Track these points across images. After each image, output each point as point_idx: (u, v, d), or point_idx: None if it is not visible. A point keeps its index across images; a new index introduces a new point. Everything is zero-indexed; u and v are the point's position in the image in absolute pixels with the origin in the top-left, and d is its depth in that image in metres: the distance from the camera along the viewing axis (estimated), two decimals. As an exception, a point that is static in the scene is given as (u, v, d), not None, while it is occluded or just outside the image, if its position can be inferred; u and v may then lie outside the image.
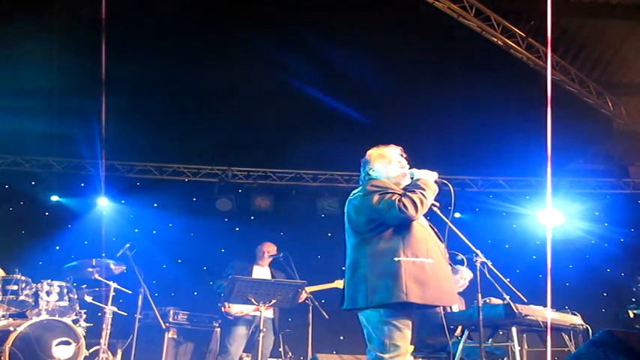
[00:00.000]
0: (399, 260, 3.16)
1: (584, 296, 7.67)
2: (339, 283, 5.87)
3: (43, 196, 8.76)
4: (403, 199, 3.22)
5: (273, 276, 5.96)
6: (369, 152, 3.60)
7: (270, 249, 6.10)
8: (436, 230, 3.47)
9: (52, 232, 8.55)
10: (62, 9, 6.63)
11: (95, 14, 6.43)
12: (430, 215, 3.57)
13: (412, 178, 3.46)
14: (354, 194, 3.47)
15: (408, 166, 3.55)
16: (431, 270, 3.20)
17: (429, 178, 3.41)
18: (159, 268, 8.32)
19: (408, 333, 3.20)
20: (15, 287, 5.42)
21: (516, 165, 8.85)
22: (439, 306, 3.35)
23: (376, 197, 3.28)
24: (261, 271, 6.04)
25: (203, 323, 6.77)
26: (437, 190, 3.41)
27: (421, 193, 3.27)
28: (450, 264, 3.47)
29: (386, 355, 3.13)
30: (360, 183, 3.61)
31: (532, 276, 6.82)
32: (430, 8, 6.94)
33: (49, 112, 7.65)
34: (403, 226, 3.25)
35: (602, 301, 8.59)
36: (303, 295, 5.43)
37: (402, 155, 3.58)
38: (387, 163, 3.51)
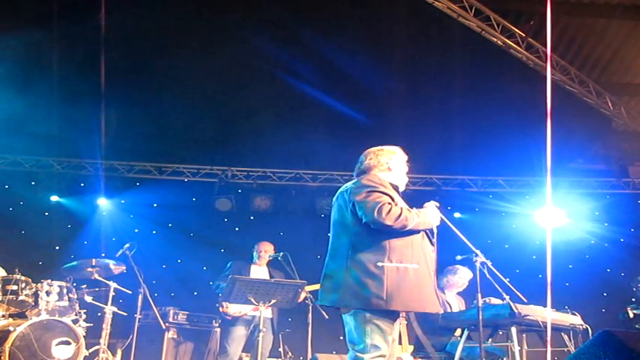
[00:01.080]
0: (382, 266, 3.12)
1: (584, 296, 7.67)
2: None
3: (43, 196, 8.76)
4: (392, 206, 3.15)
5: (271, 276, 5.96)
6: (383, 147, 3.55)
7: (267, 248, 6.09)
8: (429, 234, 3.40)
9: (52, 232, 8.54)
10: (62, 8, 6.63)
11: (95, 12, 6.45)
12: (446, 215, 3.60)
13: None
14: (346, 187, 3.40)
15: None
16: (414, 276, 3.16)
17: (430, 217, 3.33)
18: (159, 268, 8.31)
19: (390, 335, 3.17)
20: (15, 287, 5.41)
21: (516, 165, 8.85)
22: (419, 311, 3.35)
23: (364, 193, 3.21)
24: (259, 271, 6.04)
25: (203, 323, 6.77)
26: (427, 228, 3.34)
27: (414, 215, 3.19)
28: (435, 270, 3.43)
29: (366, 356, 3.10)
30: (359, 168, 3.55)
31: (532, 276, 6.80)
32: (430, 8, 6.94)
33: (48, 112, 7.65)
34: (391, 230, 3.15)
35: (602, 301, 8.58)
36: (302, 295, 5.43)
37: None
38: (400, 165, 3.52)
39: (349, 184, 3.42)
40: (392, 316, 3.19)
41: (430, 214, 3.34)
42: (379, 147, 3.56)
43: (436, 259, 3.40)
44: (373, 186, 3.25)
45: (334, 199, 3.47)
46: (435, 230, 3.45)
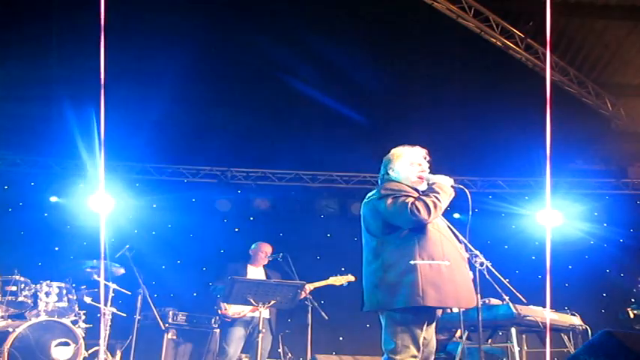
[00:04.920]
0: (415, 263, 3.18)
1: (584, 297, 7.68)
2: (333, 280, 5.88)
3: (42, 197, 8.75)
4: (416, 202, 3.22)
5: (267, 276, 5.97)
6: (392, 151, 3.61)
7: (267, 250, 6.10)
8: (455, 231, 3.48)
9: (51, 232, 8.54)
10: (61, 8, 6.62)
11: (95, 12, 6.43)
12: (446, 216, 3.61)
13: (429, 183, 3.45)
14: (369, 197, 3.47)
15: (428, 170, 3.54)
16: (447, 272, 3.22)
17: (444, 182, 3.39)
18: (158, 269, 8.31)
19: (420, 335, 3.22)
20: (14, 288, 5.42)
21: (515, 165, 8.85)
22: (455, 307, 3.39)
23: (390, 200, 3.28)
24: (256, 272, 6.04)
25: (202, 324, 6.77)
26: (452, 195, 3.39)
27: (435, 197, 3.27)
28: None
29: (397, 357, 3.16)
30: (379, 182, 3.62)
31: (531, 276, 6.80)
32: (429, 8, 6.94)
33: (48, 113, 7.64)
34: (418, 228, 3.25)
35: (601, 302, 8.59)
36: (304, 294, 5.47)
37: (425, 158, 3.58)
38: (408, 165, 3.51)
39: (371, 193, 3.49)
40: (423, 316, 3.23)
41: (442, 183, 3.39)
42: (392, 152, 3.61)
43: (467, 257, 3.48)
44: (393, 192, 3.32)
45: (361, 209, 3.55)
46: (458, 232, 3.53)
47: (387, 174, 3.54)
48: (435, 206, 3.22)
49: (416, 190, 3.44)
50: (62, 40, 6.94)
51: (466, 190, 3.45)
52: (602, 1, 7.11)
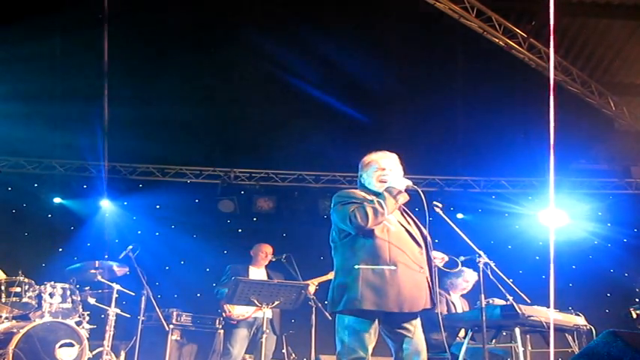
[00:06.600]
0: (358, 268, 3.26)
1: (588, 297, 7.66)
2: (333, 274, 5.89)
3: (46, 199, 8.78)
4: (356, 209, 3.26)
5: (269, 277, 5.98)
6: (362, 158, 3.64)
7: (268, 250, 6.12)
8: (415, 234, 3.42)
9: (55, 234, 8.57)
10: (65, 9, 6.64)
11: (97, 15, 6.46)
12: (433, 216, 3.59)
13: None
14: None
15: (399, 174, 3.51)
16: (390, 277, 3.23)
17: (395, 186, 3.35)
18: (162, 269, 8.33)
19: (366, 338, 3.23)
20: (18, 289, 5.42)
21: (519, 165, 8.84)
22: (398, 312, 3.26)
23: (339, 207, 3.38)
24: (257, 273, 6.05)
25: (206, 325, 6.78)
26: (403, 199, 3.36)
27: (378, 202, 3.29)
28: (435, 267, 3.44)
29: (343, 359, 3.22)
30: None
31: (535, 277, 6.77)
32: (431, 8, 6.94)
33: (51, 114, 7.67)
34: (365, 234, 3.30)
35: (605, 302, 8.56)
36: (312, 289, 5.54)
37: (393, 162, 3.55)
38: (373, 171, 3.54)
39: None
40: (369, 319, 3.25)
41: (392, 187, 3.35)
42: (362, 159, 3.62)
43: (427, 258, 3.41)
44: (342, 200, 3.41)
45: None
46: (425, 231, 3.47)
47: (359, 180, 3.62)
48: (374, 212, 3.24)
49: (373, 193, 3.44)
50: (66, 42, 6.96)
51: (420, 191, 3.40)
52: (604, 1, 7.10)
